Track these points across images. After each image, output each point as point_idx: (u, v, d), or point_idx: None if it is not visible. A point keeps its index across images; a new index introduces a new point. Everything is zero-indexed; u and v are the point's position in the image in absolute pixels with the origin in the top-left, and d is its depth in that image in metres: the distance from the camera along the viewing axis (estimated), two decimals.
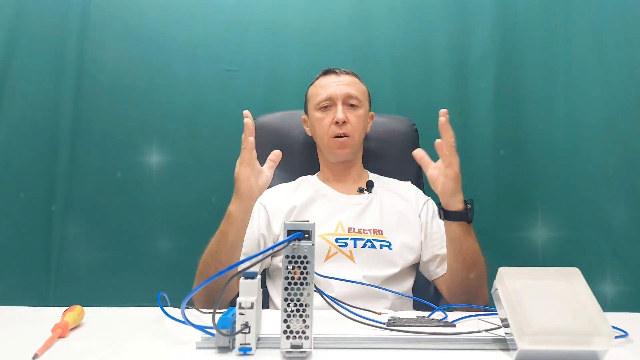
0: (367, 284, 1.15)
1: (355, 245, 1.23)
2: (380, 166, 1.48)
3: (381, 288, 1.15)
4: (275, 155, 1.07)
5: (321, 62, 1.58)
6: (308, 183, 1.39)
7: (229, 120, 1.67)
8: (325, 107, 1.33)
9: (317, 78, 1.39)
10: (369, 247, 1.23)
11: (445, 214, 1.07)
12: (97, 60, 1.66)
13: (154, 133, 1.67)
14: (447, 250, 1.14)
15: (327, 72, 1.38)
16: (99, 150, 1.65)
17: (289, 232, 0.68)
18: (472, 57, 1.70)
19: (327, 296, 0.83)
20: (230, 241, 1.06)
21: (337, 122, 1.30)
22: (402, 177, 1.44)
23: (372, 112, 1.43)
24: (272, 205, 1.31)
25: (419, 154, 1.11)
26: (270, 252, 0.67)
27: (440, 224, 1.30)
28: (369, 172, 1.44)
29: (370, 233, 1.24)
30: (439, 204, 1.09)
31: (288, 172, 1.47)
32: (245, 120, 1.02)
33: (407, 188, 1.39)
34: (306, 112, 1.43)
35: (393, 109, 1.65)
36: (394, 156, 1.52)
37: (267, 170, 1.06)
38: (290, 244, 0.67)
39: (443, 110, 1.05)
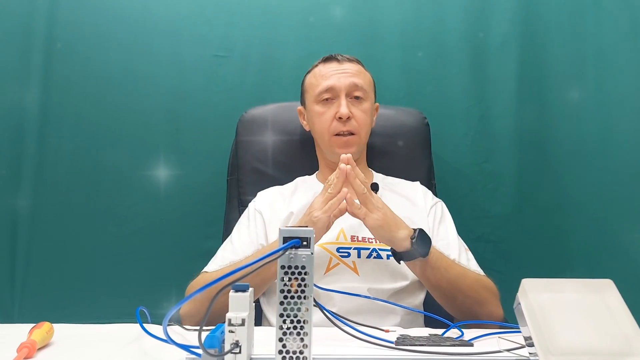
0: (374, 298, 1.15)
1: (359, 256, 1.22)
2: (387, 165, 1.47)
3: (390, 302, 1.15)
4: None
5: (320, 47, 1.59)
6: (306, 185, 1.39)
7: (215, 112, 1.67)
8: (326, 99, 1.32)
9: (316, 65, 1.38)
10: (374, 257, 1.22)
11: (396, 257, 1.12)
12: (68, 43, 1.65)
13: (132, 125, 1.66)
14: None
15: (327, 59, 1.36)
16: (69, 147, 1.64)
17: (285, 239, 0.67)
18: (492, 41, 1.70)
19: (328, 311, 0.83)
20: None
21: (340, 118, 1.29)
22: (411, 177, 1.44)
23: (377, 104, 1.43)
24: (268, 212, 1.30)
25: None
26: (263, 262, 0.66)
27: (447, 229, 1.30)
28: (373, 172, 1.44)
29: (376, 241, 1.24)
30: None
31: (284, 172, 1.47)
32: (342, 166, 1.08)
33: (416, 189, 1.38)
34: (303, 104, 1.42)
35: (401, 100, 1.65)
36: (402, 154, 1.52)
37: None
38: (286, 253, 0.67)
39: (345, 157, 1.10)
